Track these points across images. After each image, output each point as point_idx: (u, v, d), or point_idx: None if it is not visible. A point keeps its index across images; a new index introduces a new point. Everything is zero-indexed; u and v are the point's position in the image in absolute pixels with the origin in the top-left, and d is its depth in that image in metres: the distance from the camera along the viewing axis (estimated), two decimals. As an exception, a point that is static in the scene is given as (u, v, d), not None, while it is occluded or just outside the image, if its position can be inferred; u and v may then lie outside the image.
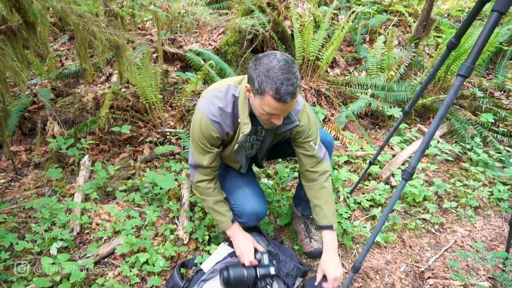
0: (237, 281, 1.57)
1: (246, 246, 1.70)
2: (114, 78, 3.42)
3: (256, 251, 1.73)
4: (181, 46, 3.74)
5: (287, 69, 1.30)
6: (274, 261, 1.76)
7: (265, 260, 1.68)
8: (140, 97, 2.93)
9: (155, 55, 3.57)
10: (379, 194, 2.50)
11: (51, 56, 3.27)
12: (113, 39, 2.11)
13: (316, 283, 1.67)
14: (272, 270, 1.63)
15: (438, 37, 4.62)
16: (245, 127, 1.52)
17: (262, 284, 1.61)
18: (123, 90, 3.22)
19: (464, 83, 1.42)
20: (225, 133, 1.59)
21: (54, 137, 2.65)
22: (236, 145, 1.61)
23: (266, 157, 1.94)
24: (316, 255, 1.98)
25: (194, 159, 1.68)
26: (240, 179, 1.86)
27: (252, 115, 1.54)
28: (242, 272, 1.58)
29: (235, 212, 1.79)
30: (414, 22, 4.54)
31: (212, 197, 1.72)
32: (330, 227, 1.70)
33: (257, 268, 1.63)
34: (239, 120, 1.54)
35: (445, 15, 5.16)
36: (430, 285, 1.90)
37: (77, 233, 2.07)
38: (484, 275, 1.99)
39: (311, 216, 2.01)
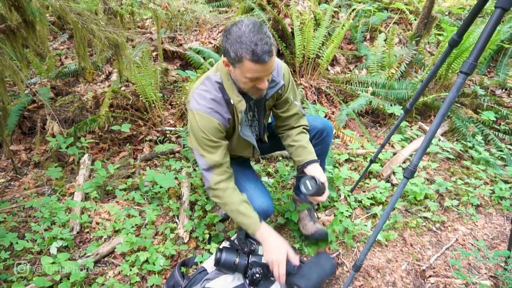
0: (227, 264, 1.63)
1: (280, 253, 1.51)
2: (114, 77, 3.41)
3: (256, 242, 1.67)
4: (181, 44, 3.72)
5: (257, 30, 1.31)
6: None
7: (260, 251, 1.68)
8: (140, 96, 2.93)
9: (154, 53, 3.56)
10: (380, 192, 2.49)
11: (51, 55, 3.26)
12: (112, 38, 2.10)
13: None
14: (263, 260, 1.63)
15: (439, 35, 4.59)
16: (240, 105, 1.52)
17: (251, 272, 1.62)
18: (122, 88, 3.21)
19: (466, 81, 1.41)
20: (227, 120, 1.58)
21: (53, 136, 2.65)
22: (240, 126, 1.60)
23: (266, 130, 1.90)
24: (319, 237, 2.01)
25: (206, 161, 1.57)
26: (246, 177, 1.83)
27: (241, 94, 1.54)
28: (234, 258, 1.63)
29: None
30: (415, 20, 4.51)
31: (236, 198, 1.60)
32: (317, 161, 1.69)
33: (250, 256, 1.66)
34: (232, 102, 1.53)
35: (446, 13, 5.13)
36: (432, 283, 1.89)
37: (77, 232, 2.07)
38: (486, 273, 1.98)
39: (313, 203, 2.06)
